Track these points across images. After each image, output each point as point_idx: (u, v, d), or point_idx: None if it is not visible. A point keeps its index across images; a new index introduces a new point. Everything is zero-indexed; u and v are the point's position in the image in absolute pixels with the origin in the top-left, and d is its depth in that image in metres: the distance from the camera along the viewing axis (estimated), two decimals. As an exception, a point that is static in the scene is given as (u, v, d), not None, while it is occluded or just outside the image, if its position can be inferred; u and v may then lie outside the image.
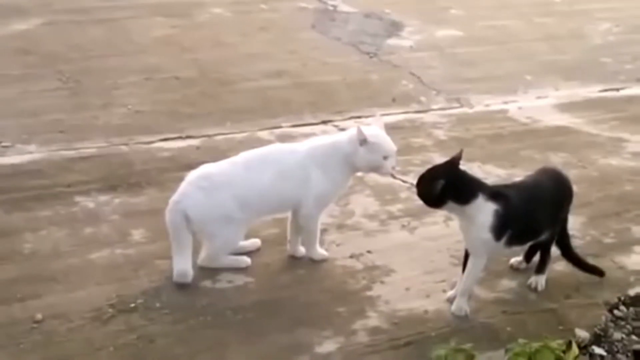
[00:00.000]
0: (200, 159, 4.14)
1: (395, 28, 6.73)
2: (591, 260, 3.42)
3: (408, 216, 3.76)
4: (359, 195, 3.92)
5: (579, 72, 5.91)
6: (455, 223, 3.29)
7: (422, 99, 5.26)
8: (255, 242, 3.45)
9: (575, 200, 3.67)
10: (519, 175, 4.02)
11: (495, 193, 2.99)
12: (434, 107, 5.15)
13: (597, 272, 3.36)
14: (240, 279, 3.24)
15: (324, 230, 3.53)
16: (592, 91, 5.57)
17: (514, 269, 3.39)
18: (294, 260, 3.40)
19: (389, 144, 3.27)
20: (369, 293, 3.21)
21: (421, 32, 6.66)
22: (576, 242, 3.54)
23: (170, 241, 3.21)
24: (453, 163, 2.99)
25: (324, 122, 4.79)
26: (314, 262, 3.37)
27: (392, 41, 6.40)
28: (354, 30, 6.59)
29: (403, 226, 3.69)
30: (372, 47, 6.19)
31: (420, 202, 3.04)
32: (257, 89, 5.27)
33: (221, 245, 3.27)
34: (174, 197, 3.21)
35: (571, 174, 4.15)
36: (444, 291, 3.21)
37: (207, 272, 3.25)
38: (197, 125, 4.64)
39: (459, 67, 5.92)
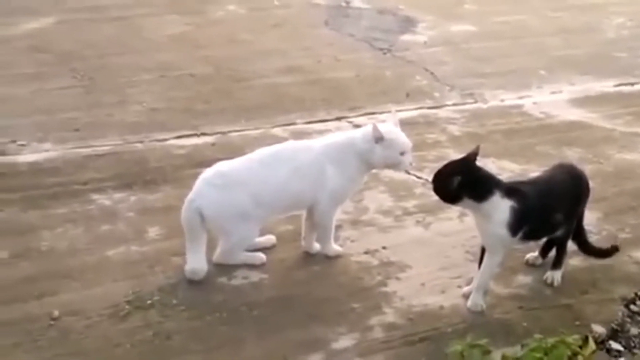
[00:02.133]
0: (215, 155, 4.16)
1: (408, 24, 6.73)
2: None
3: (423, 212, 3.76)
4: (373, 192, 3.91)
5: (593, 66, 5.88)
6: (470, 219, 3.29)
7: (436, 94, 5.25)
8: (270, 238, 3.45)
9: (590, 196, 3.66)
10: (533, 170, 4.03)
11: (511, 189, 2.98)
12: (448, 102, 5.14)
13: (614, 251, 3.35)
14: (255, 276, 3.25)
15: (338, 227, 3.53)
16: (607, 86, 5.54)
17: (530, 265, 3.38)
18: (309, 256, 3.40)
19: (405, 140, 3.27)
20: (384, 289, 3.21)
21: (435, 28, 6.65)
22: (592, 238, 3.52)
23: (185, 239, 3.22)
24: (469, 159, 2.98)
25: (338, 119, 4.79)
26: (328, 259, 3.38)
27: (405, 37, 6.40)
28: (367, 27, 6.59)
29: (418, 222, 3.69)
30: (386, 43, 6.18)
31: (435, 198, 3.04)
32: (271, 85, 5.28)
33: (236, 242, 3.28)
34: (189, 196, 3.22)
35: (586, 169, 4.13)
36: (459, 287, 3.21)
37: (223, 268, 3.26)
38: (212, 122, 4.65)
39: (473, 62, 5.90)
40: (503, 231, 2.95)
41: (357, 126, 4.61)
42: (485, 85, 5.42)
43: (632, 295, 3.19)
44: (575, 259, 3.39)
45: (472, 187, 2.93)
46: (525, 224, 2.98)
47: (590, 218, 3.66)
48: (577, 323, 3.01)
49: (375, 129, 3.20)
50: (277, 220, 3.49)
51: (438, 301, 3.13)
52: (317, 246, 3.42)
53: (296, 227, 3.49)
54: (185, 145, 4.36)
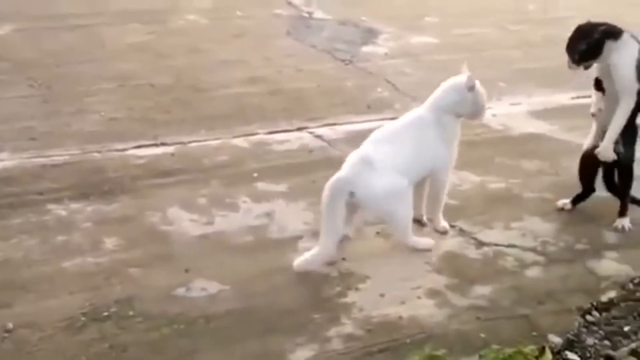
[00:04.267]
0: (174, 166, 4.16)
1: (370, 35, 6.75)
2: (564, 266, 3.47)
3: (383, 223, 3.75)
4: (334, 202, 3.90)
5: (552, 79, 5.93)
6: (429, 231, 3.27)
7: (397, 105, 5.26)
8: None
9: (548, 207, 3.71)
10: (493, 182, 4.07)
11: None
12: (409, 114, 5.15)
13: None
14: (213, 287, 3.22)
15: (298, 238, 3.53)
16: (565, 98, 5.60)
17: (559, 210, 3.85)
18: (268, 267, 3.37)
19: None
20: (343, 300, 3.20)
21: (396, 39, 6.68)
22: (549, 249, 3.57)
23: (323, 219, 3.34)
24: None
25: (299, 129, 4.78)
26: (288, 270, 3.35)
27: (367, 48, 6.42)
28: (329, 37, 6.61)
29: (378, 233, 3.68)
30: (348, 54, 6.20)
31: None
32: (232, 95, 5.26)
33: (405, 222, 3.48)
34: (343, 176, 3.34)
35: (544, 181, 4.21)
36: (419, 298, 3.22)
37: (180, 280, 3.23)
38: (172, 132, 4.62)
39: (434, 73, 5.89)
40: (633, 68, 3.48)
41: (319, 137, 4.64)
42: (446, 97, 5.44)
43: (588, 305, 3.22)
44: (531, 270, 3.43)
45: (608, 30, 3.50)
46: None
47: (549, 229, 3.71)
48: (534, 333, 3.02)
49: (470, 78, 3.51)
50: (239, 230, 3.49)
51: (397, 312, 3.12)
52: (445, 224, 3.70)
53: (255, 239, 3.48)
54: (144, 155, 4.32)
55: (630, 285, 3.37)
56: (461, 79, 3.56)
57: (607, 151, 3.60)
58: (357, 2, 7.66)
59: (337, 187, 3.32)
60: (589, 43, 3.53)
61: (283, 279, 3.32)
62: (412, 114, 3.63)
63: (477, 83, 3.57)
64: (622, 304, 3.24)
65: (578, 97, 5.61)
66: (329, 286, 3.28)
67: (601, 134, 3.68)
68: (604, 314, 3.18)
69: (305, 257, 3.33)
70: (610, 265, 3.51)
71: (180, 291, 3.18)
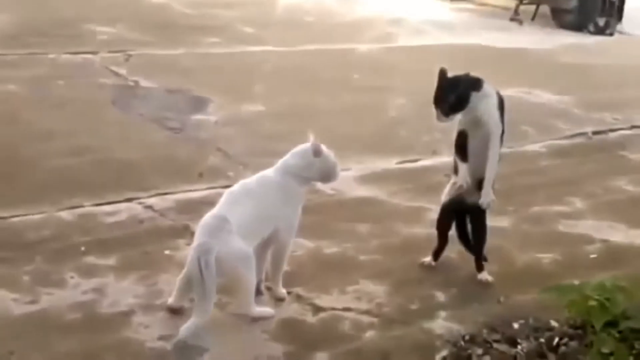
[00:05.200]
0: (-7, 242, 3.91)
1: (199, 104, 6.71)
2: (399, 327, 3.53)
3: (218, 293, 3.68)
4: (167, 275, 3.79)
5: (378, 144, 6.13)
6: (265, 299, 3.24)
7: (230, 173, 5.23)
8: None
9: (381, 269, 3.78)
10: (327, 247, 4.11)
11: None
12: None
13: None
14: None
15: (131, 312, 3.39)
16: (391, 162, 5.78)
17: (426, 266, 4.01)
18: (100, 345, 3.20)
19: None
20: (180, 376, 3.09)
21: (225, 108, 6.68)
22: (384, 310, 3.62)
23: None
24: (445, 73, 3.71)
25: (129, 200, 4.64)
26: (120, 347, 3.19)
27: (196, 116, 6.38)
28: (157, 106, 6.51)
29: (214, 304, 3.60)
30: (177, 123, 6.13)
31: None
32: (55, 167, 5.04)
33: (253, 288, 3.43)
34: (203, 240, 3.27)
35: (376, 243, 4.29)
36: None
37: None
38: (-10, 206, 4.35)
39: (265, 141, 5.95)
40: (497, 112, 3.70)
41: (149, 207, 4.52)
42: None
43: (424, 364, 3.29)
44: (368, 332, 3.46)
45: (471, 81, 3.67)
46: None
47: (382, 291, 3.77)
48: (373, 398, 3.04)
49: (314, 144, 3.55)
50: (67, 310, 3.29)
51: (236, 384, 3.06)
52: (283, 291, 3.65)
53: (85, 315, 3.31)
54: (-41, 232, 4.04)
55: (462, 342, 3.47)
56: (308, 145, 3.62)
57: (488, 197, 3.76)
58: (184, 71, 7.62)
59: (204, 252, 3.23)
60: (457, 95, 3.65)
61: (115, 357, 3.16)
62: (260, 175, 3.67)
63: (324, 148, 3.62)
64: (455, 362, 3.33)
65: (403, 162, 5.82)
66: (164, 362, 3.17)
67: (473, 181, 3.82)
68: (439, 372, 3.25)
69: (188, 326, 3.24)
70: (442, 324, 3.61)
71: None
